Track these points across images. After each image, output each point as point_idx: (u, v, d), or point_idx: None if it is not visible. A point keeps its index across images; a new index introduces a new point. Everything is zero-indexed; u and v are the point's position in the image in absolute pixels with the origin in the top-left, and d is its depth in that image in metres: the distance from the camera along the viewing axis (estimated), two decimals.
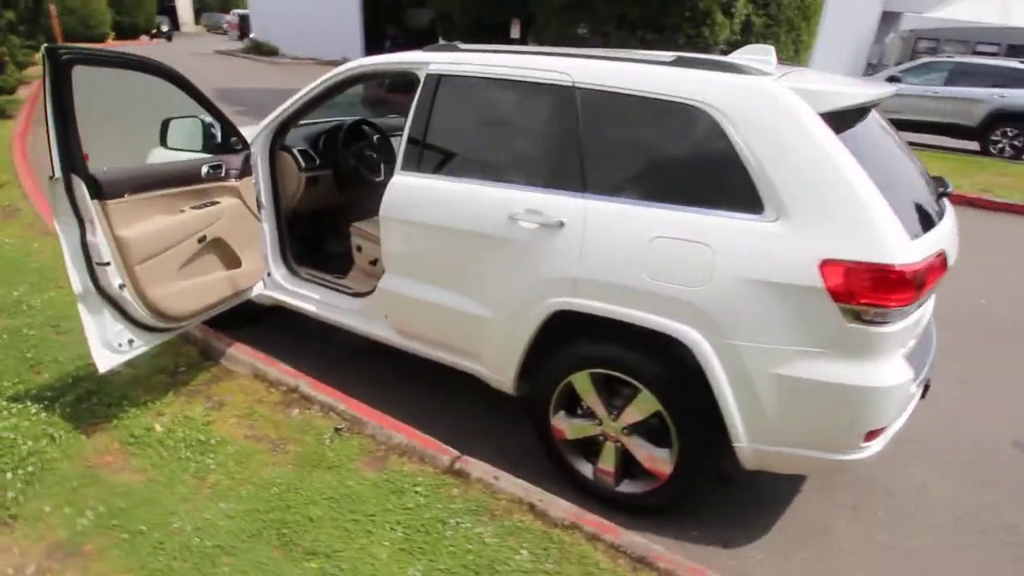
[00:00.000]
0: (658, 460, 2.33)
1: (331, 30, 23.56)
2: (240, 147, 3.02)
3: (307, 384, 3.07)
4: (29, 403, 2.86)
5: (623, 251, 2.15)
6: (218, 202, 2.88)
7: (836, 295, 1.88)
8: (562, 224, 2.26)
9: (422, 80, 2.66)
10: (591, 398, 2.40)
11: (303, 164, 3.36)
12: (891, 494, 2.70)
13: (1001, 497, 2.72)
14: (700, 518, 2.48)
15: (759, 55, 2.26)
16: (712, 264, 2.01)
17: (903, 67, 11.99)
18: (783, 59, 10.28)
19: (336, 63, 22.56)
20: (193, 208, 2.77)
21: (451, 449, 2.64)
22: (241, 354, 3.32)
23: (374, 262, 3.28)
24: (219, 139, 2.97)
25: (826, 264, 1.89)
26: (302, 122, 3.43)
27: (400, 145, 2.72)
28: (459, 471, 2.54)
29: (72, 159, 2.28)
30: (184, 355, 3.38)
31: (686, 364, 2.16)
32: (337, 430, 2.81)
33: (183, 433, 2.77)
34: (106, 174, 2.38)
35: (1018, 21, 17.20)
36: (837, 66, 20.31)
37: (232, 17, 34.08)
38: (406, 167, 2.68)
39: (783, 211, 1.95)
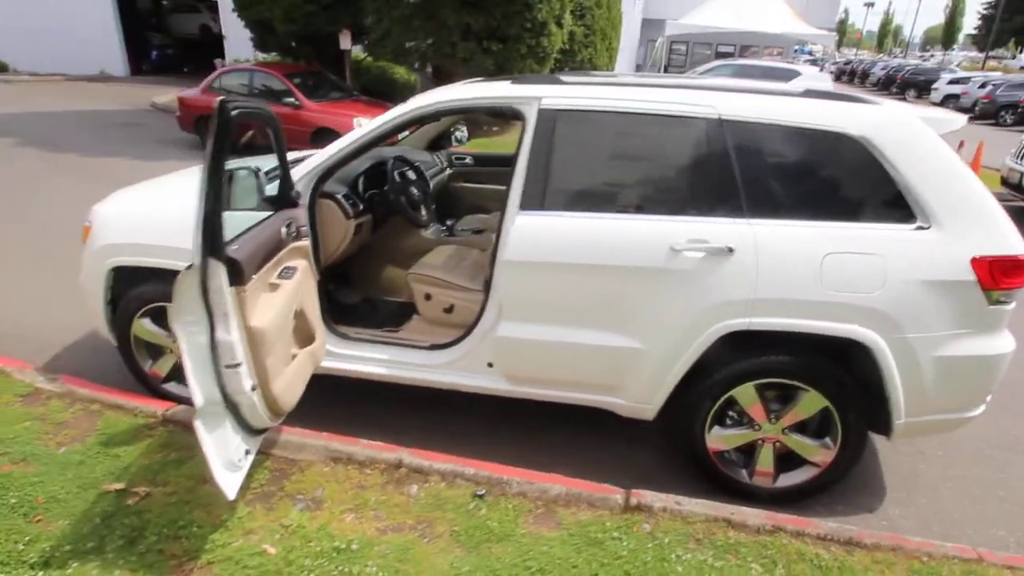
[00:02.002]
0: (821, 451, 2.57)
1: (82, 41, 19.96)
2: (300, 198, 2.58)
3: (410, 455, 2.75)
4: (72, 565, 2.16)
5: (799, 268, 2.33)
6: (296, 268, 2.45)
7: (984, 284, 2.29)
8: (731, 250, 2.37)
9: (534, 115, 2.55)
10: (754, 407, 2.56)
11: (350, 211, 2.96)
12: (931, 436, 3.28)
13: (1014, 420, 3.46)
14: (822, 499, 2.78)
15: (821, 82, 2.60)
16: (884, 271, 2.29)
17: (702, 69, 13.92)
18: (601, 66, 11.36)
19: (95, 79, 19.36)
20: (282, 279, 2.33)
21: (615, 487, 2.60)
22: (300, 438, 2.85)
23: (449, 309, 3.04)
24: (276, 190, 2.51)
25: (975, 261, 2.28)
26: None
27: (513, 183, 2.58)
28: (639, 506, 2.51)
29: (216, 239, 1.80)
30: None
31: (850, 362, 2.43)
32: (478, 496, 2.58)
33: (306, 547, 2.32)
34: (237, 251, 1.91)
35: (749, 26, 20.84)
36: (623, 70, 22.69)
37: None
38: (528, 206, 2.54)
39: (934, 220, 2.30)
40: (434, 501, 2.56)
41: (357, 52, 12.83)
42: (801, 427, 2.59)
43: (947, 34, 69.24)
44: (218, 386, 1.93)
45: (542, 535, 2.40)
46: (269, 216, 2.38)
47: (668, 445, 3.10)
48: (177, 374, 3.17)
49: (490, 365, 2.79)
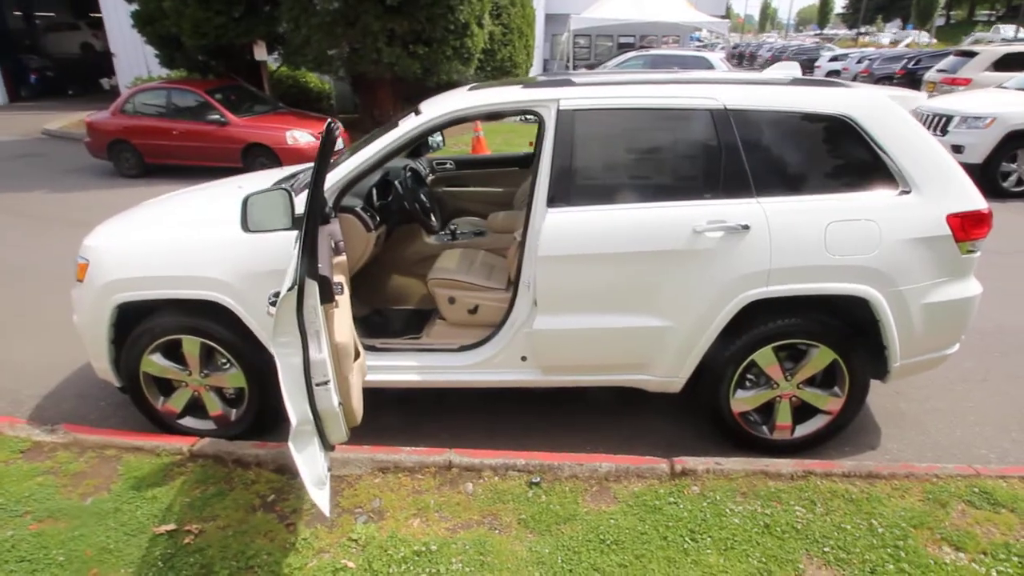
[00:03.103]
0: (831, 400, 2.87)
1: None
2: (334, 215, 2.59)
3: (459, 455, 2.83)
4: None
5: (807, 239, 2.59)
6: (342, 283, 2.47)
7: (957, 237, 2.64)
8: (747, 227, 2.61)
9: (553, 116, 2.68)
10: (772, 367, 2.81)
11: (370, 224, 2.97)
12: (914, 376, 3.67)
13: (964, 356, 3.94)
14: (831, 445, 3.09)
15: (789, 70, 2.91)
16: (879, 233, 2.59)
17: (617, 62, 14.44)
18: (520, 63, 11.64)
19: None
20: (338, 295, 2.35)
21: (659, 458, 2.79)
22: (342, 453, 2.85)
23: (474, 310, 3.12)
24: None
25: (950, 217, 2.62)
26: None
27: (538, 182, 2.70)
28: (684, 471, 2.71)
29: (314, 260, 1.82)
30: (257, 481, 2.76)
31: (853, 316, 2.73)
32: (534, 484, 2.70)
33: (385, 556, 2.36)
34: (323, 268, 1.94)
35: (649, 17, 21.77)
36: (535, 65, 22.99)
37: None
38: (556, 203, 2.67)
39: (913, 185, 2.63)
40: (493, 495, 2.66)
41: (269, 63, 12.40)
42: (811, 381, 2.88)
43: (821, 14, 75.03)
44: (309, 405, 1.95)
45: (604, 510, 2.55)
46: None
47: (686, 414, 3.33)
48: (193, 409, 3.08)
49: (523, 359, 2.90)
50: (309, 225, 1.87)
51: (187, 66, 11.85)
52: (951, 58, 12.86)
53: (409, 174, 3.36)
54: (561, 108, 2.68)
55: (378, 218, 3.09)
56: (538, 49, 22.07)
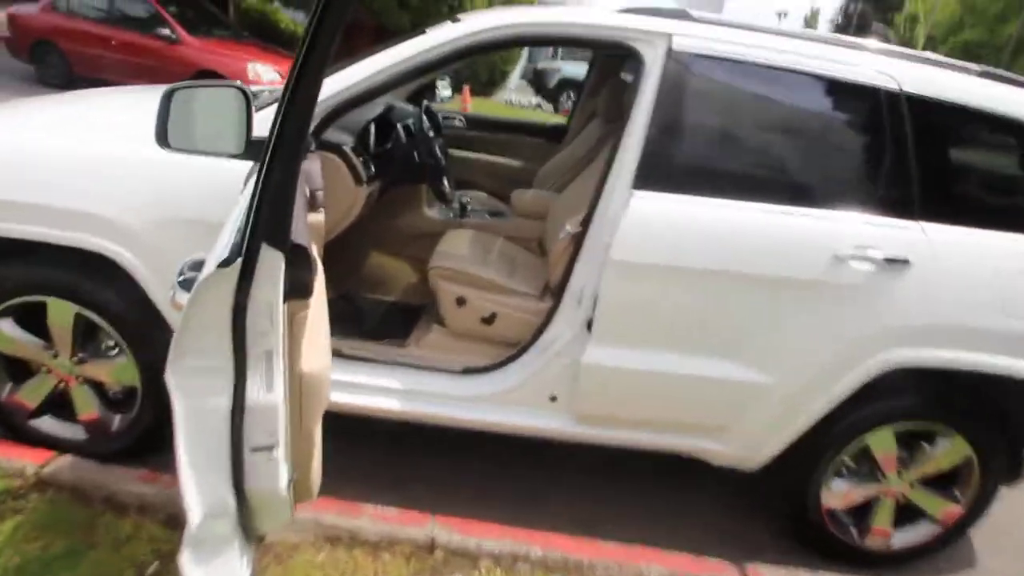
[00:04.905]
0: (948, 506, 2.15)
1: None
2: (312, 145, 1.67)
3: (444, 526, 1.95)
4: None
5: (983, 289, 1.86)
6: (316, 258, 1.53)
7: None
8: (906, 262, 1.84)
9: (660, 59, 1.83)
10: (887, 456, 2.07)
11: (363, 174, 2.03)
12: None
13: None
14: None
15: None
16: None
17: None
18: None
19: None
20: None
21: (725, 562, 2.00)
22: None
23: (490, 319, 2.22)
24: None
25: None
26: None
27: (623, 149, 1.85)
28: None
29: (283, 218, 0.90)
30: (135, 537, 1.80)
31: (996, 402, 2.02)
32: None
33: None
34: (297, 233, 1.03)
35: None
36: None
37: None
38: (649, 184, 1.83)
39: None
40: None
41: None
42: (927, 478, 2.15)
43: None
44: (233, 486, 1.03)
45: None
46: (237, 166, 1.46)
47: (741, 494, 2.51)
48: (56, 407, 2.08)
49: (553, 399, 2.06)
50: (282, 154, 0.97)
51: None
52: None
53: (424, 118, 2.42)
54: (674, 48, 1.83)
55: (373, 168, 2.15)
56: None
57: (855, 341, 1.88)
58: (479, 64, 11.81)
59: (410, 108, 2.55)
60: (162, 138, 1.43)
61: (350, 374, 2.06)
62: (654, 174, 1.83)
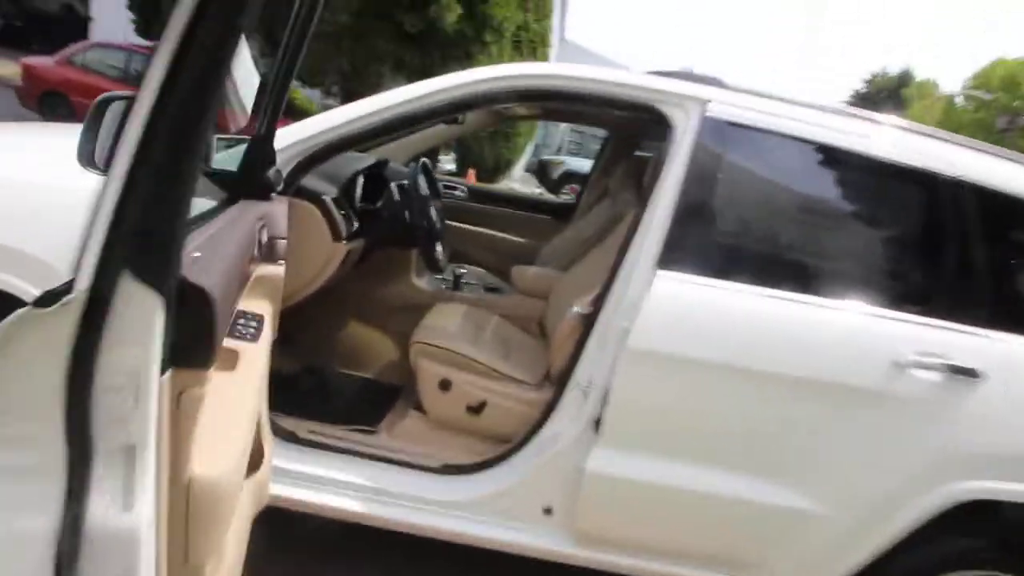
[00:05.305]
0: None
1: None
2: (280, 184, 1.42)
3: None
4: None
5: None
6: (262, 319, 1.23)
7: None
8: (976, 374, 1.56)
9: (694, 125, 1.62)
10: None
11: (342, 229, 1.77)
12: None
13: None
14: None
15: None
16: None
17: None
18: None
19: None
20: (240, 339, 1.12)
21: None
22: None
23: (478, 408, 1.89)
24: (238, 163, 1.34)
25: None
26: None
27: (647, 224, 1.60)
28: None
29: (176, 231, 0.61)
30: None
31: None
32: None
33: None
34: (202, 271, 0.73)
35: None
36: None
37: None
38: (673, 263, 1.57)
39: None
40: None
41: None
42: None
43: None
44: None
45: None
46: (224, 207, 1.19)
47: None
48: None
49: (548, 511, 1.70)
50: (169, 126, 0.69)
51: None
52: None
53: (420, 175, 2.19)
54: (709, 115, 1.63)
55: (356, 225, 1.89)
56: None
57: (920, 465, 1.57)
58: (485, 149, 11.99)
59: (406, 169, 2.34)
60: (87, 157, 1.17)
61: (307, 464, 1.72)
62: (684, 252, 1.58)
